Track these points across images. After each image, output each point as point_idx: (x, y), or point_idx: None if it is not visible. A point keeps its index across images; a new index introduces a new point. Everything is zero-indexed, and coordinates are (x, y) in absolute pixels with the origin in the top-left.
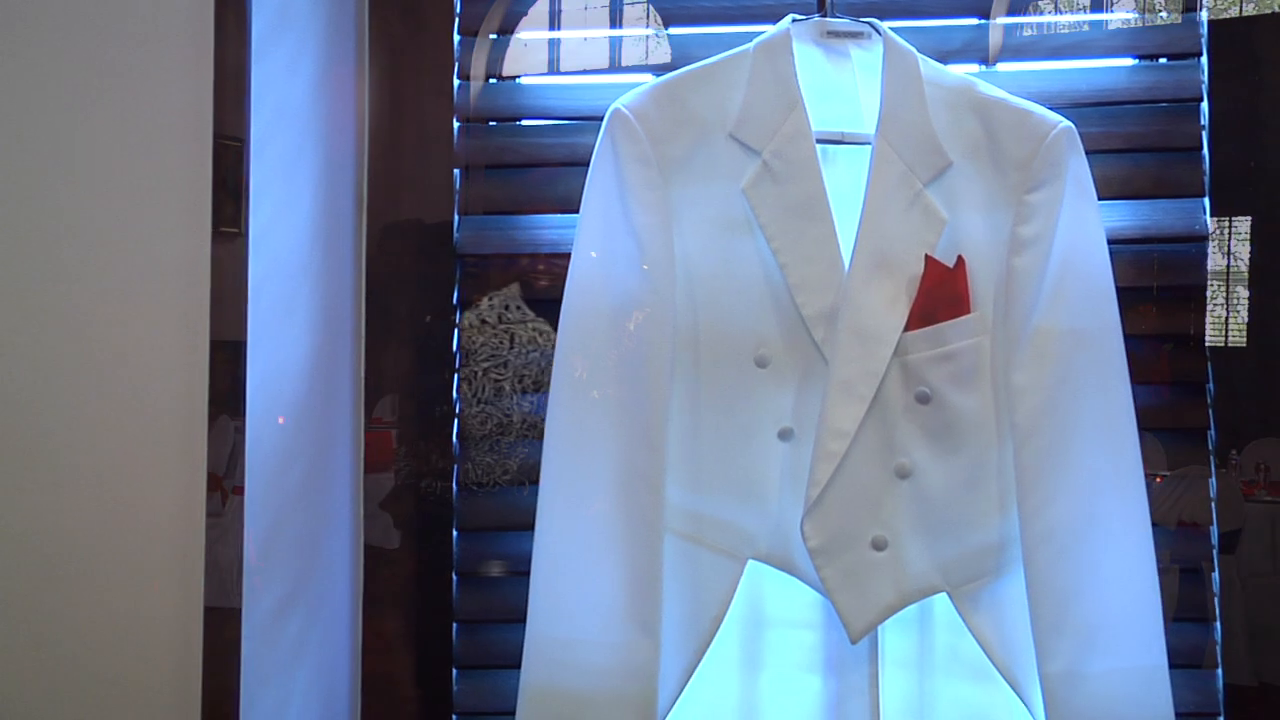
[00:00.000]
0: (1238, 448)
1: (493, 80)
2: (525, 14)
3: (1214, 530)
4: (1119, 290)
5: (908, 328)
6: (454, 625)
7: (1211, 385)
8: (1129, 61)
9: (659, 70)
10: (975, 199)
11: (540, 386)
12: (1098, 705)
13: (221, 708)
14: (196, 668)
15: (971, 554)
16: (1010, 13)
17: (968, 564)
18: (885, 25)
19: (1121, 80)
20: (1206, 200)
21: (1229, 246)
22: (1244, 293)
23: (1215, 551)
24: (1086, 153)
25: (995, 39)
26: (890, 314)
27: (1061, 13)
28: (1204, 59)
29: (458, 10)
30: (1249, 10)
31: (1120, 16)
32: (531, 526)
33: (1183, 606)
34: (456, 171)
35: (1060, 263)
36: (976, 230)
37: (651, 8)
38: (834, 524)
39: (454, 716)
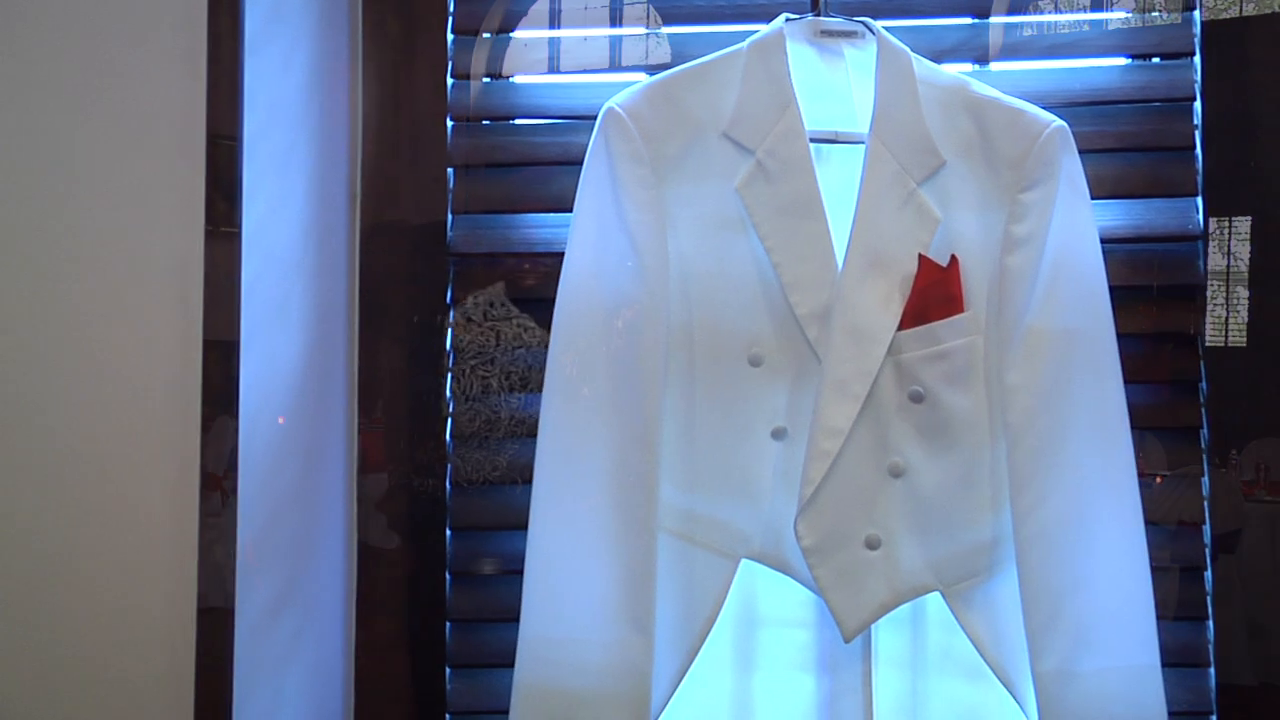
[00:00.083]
0: (1237, 448)
1: (486, 79)
2: (519, 13)
3: (1207, 529)
4: (1112, 289)
5: (901, 327)
6: (447, 624)
7: (1205, 384)
8: (1122, 61)
9: (653, 69)
10: (969, 198)
11: (527, 384)
12: (1090, 704)
13: (215, 707)
14: (190, 667)
15: (964, 553)
16: (1005, 12)
17: (961, 563)
18: (879, 24)
19: (1115, 80)
20: (1199, 199)
21: (1229, 246)
22: (1241, 292)
23: (1208, 551)
24: (1080, 152)
25: (988, 38)
26: (884, 313)
27: (1054, 12)
28: (1197, 58)
29: (451, 9)
30: (1249, 10)
31: (1113, 16)
32: (525, 525)
33: (1175, 605)
34: (450, 170)
35: (1053, 262)
36: (970, 229)
37: (650, 7)
38: (827, 523)
39: (447, 715)
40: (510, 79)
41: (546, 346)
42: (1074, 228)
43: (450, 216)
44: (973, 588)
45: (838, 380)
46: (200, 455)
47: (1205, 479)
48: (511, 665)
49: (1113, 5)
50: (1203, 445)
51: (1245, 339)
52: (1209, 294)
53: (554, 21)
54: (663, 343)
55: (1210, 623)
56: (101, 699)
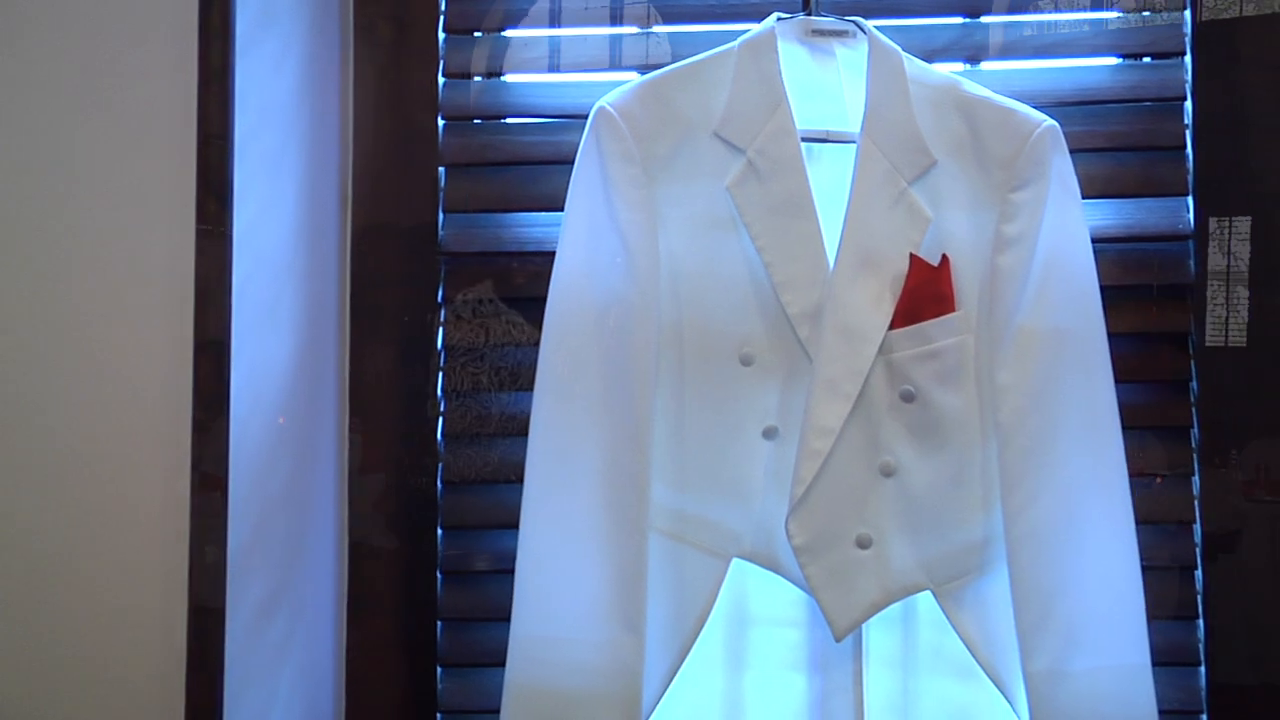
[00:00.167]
0: (1231, 447)
1: (477, 78)
2: (511, 12)
3: (1197, 529)
4: (1103, 289)
5: (892, 326)
6: (438, 623)
7: (1195, 384)
8: (1113, 61)
9: (645, 69)
10: (960, 198)
11: (518, 382)
12: (1081, 703)
13: (206, 707)
14: (180, 667)
15: (955, 552)
16: (998, 11)
17: (952, 562)
18: (870, 24)
19: (1106, 79)
20: (1190, 199)
21: (1228, 246)
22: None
23: (1199, 550)
24: (1071, 151)
25: (979, 38)
26: (875, 312)
27: (1046, 11)
28: (1188, 58)
29: (443, 8)
30: (1248, 10)
31: (1104, 16)
32: (516, 524)
33: (1167, 605)
34: (441, 169)
35: (1044, 261)
36: (961, 229)
37: (642, 6)
38: (819, 522)
39: (439, 715)
40: (502, 78)
41: (537, 345)
42: (1065, 227)
43: (441, 216)
44: (964, 587)
45: (829, 379)
46: (191, 455)
47: (1196, 478)
48: (503, 665)
49: (1112, 4)
50: (1193, 445)
51: (1244, 339)
52: (1209, 294)
53: (546, 20)
54: (654, 342)
55: (1201, 622)
56: (93, 699)
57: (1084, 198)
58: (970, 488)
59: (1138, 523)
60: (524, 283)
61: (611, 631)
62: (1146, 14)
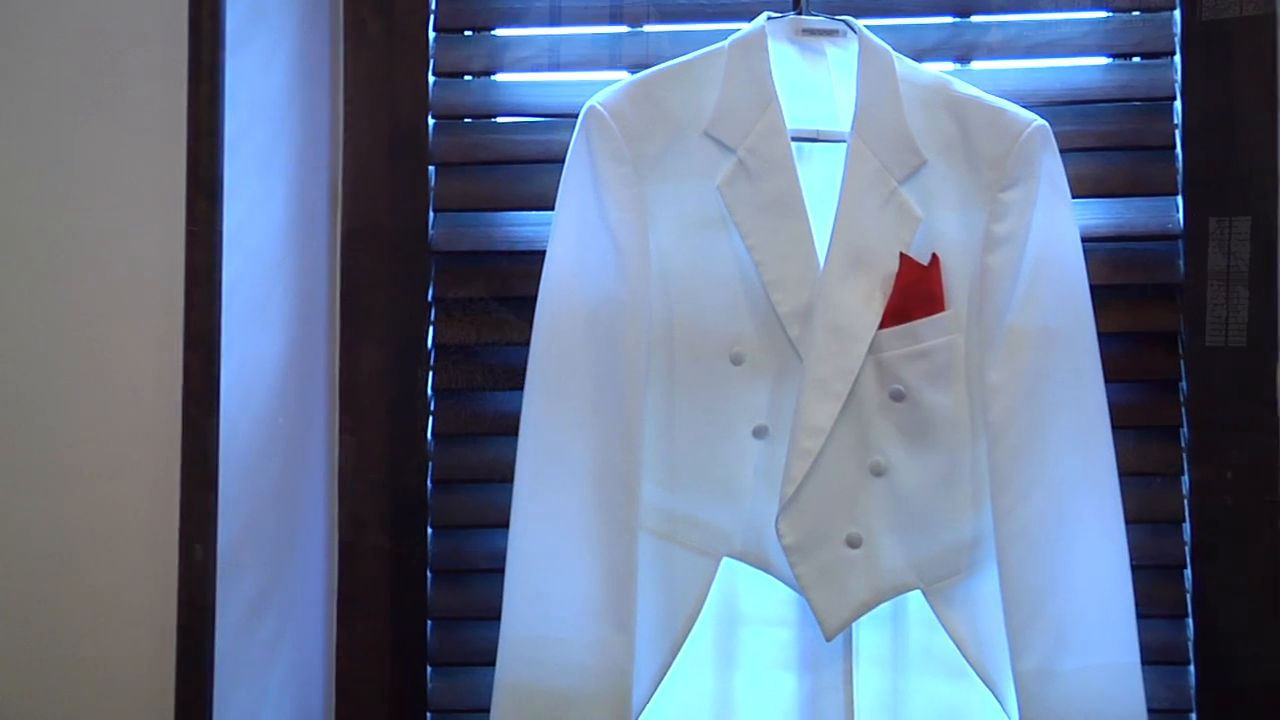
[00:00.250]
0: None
1: (468, 77)
2: (502, 10)
3: (1187, 528)
4: (1092, 288)
5: (882, 325)
6: (429, 623)
7: (1185, 383)
8: (1103, 60)
9: (635, 68)
10: (950, 197)
11: (509, 381)
12: (1071, 702)
13: (195, 706)
14: (170, 666)
15: (945, 551)
16: (987, 11)
17: (942, 561)
18: (860, 23)
19: (1095, 79)
20: (1180, 199)
21: (1229, 246)
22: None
23: (1189, 549)
24: (1060, 151)
25: (970, 37)
26: (865, 311)
27: (1037, 11)
28: (1177, 58)
29: (433, 7)
30: (1248, 10)
31: (1096, 15)
32: (507, 524)
33: (1156, 604)
34: (432, 168)
35: (1034, 261)
36: (951, 228)
37: (633, 5)
38: (809, 521)
39: (429, 714)
40: (493, 77)
41: (528, 344)
42: (1054, 227)
43: (432, 214)
44: (954, 586)
45: (819, 379)
46: (181, 453)
47: (1186, 478)
48: (493, 664)
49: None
50: (1183, 444)
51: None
52: (1209, 294)
53: (536, 19)
54: (644, 341)
55: (1191, 621)
56: (83, 696)
57: (1074, 197)
58: (960, 487)
59: (1127, 522)
60: (515, 282)
61: (602, 631)
62: (1136, 14)
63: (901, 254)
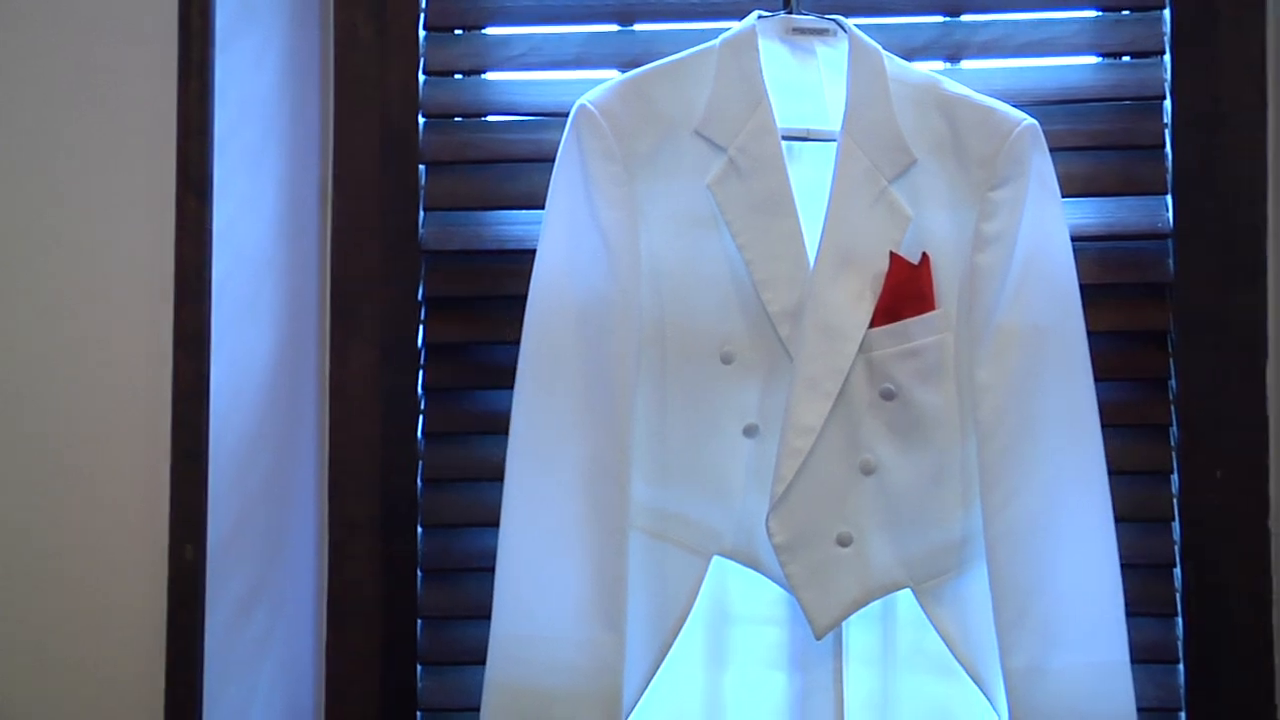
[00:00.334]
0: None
1: (458, 76)
2: (492, 9)
3: (1176, 526)
4: (1082, 287)
5: (872, 324)
6: (418, 621)
7: (1174, 382)
8: (1093, 59)
9: (625, 67)
10: (940, 196)
11: (497, 379)
12: (1060, 700)
13: (185, 704)
14: (160, 664)
15: (935, 550)
16: (976, 10)
17: (931, 560)
18: (851, 22)
19: (1085, 78)
20: (1169, 198)
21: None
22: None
23: (1178, 548)
24: (1050, 150)
25: (960, 36)
26: (855, 310)
27: (1026, 10)
28: (1167, 57)
29: (423, 6)
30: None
31: (1086, 14)
32: (497, 522)
33: (1146, 602)
34: (421, 167)
35: (1023, 260)
36: (941, 227)
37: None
38: (799, 520)
39: (419, 713)
40: (483, 76)
41: (518, 343)
42: (1044, 225)
43: (422, 213)
44: (943, 585)
45: (809, 378)
46: (171, 451)
47: (1175, 476)
48: (483, 663)
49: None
50: (1172, 443)
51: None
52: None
53: (526, 18)
54: (634, 340)
55: (1180, 619)
56: (72, 695)
57: (1063, 196)
58: (950, 486)
59: (1117, 520)
60: (505, 280)
61: (592, 630)
62: (1126, 13)
63: (891, 253)
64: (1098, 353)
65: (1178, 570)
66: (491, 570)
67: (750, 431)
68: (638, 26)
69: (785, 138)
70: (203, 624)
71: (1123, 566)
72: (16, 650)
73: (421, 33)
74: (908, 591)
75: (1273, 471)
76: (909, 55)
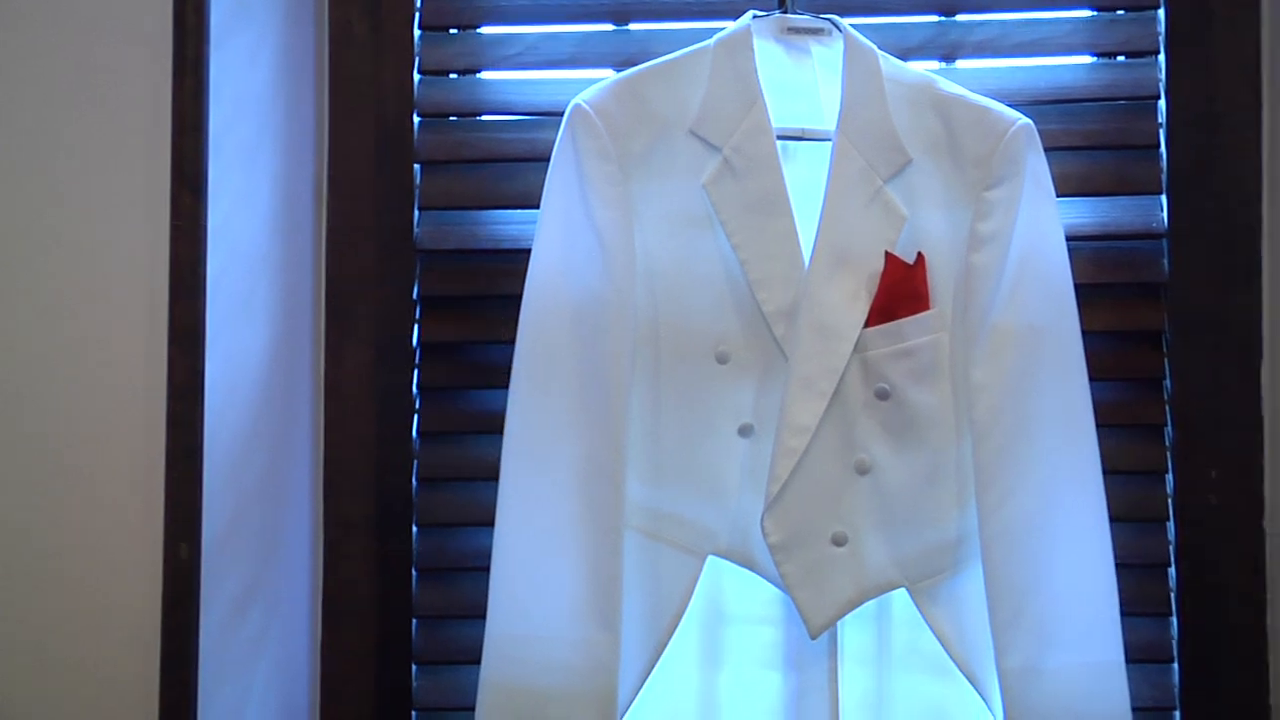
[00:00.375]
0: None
1: (453, 75)
2: (487, 8)
3: (1171, 526)
4: (1077, 287)
5: (867, 324)
6: (414, 621)
7: (1169, 382)
8: (1087, 59)
9: (620, 66)
10: (935, 196)
11: (492, 379)
12: (1055, 700)
13: (179, 703)
14: (154, 664)
15: (930, 549)
16: (971, 9)
17: (927, 559)
18: (846, 22)
19: (1080, 78)
20: (1164, 197)
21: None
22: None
23: (1173, 547)
24: (1045, 150)
25: (955, 36)
26: (850, 310)
27: (1021, 10)
28: (1161, 57)
29: (418, 5)
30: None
31: (1081, 14)
32: (492, 522)
33: (1140, 602)
34: (416, 166)
35: (1018, 259)
36: (936, 227)
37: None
38: (794, 520)
39: (414, 712)
40: (478, 75)
41: (513, 342)
42: (1039, 225)
43: (417, 212)
44: (938, 584)
45: (804, 377)
46: (166, 451)
47: (1170, 476)
48: (478, 662)
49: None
50: (1167, 443)
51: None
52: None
53: (521, 17)
54: (629, 339)
55: (1174, 619)
56: (67, 694)
57: (1058, 196)
58: (945, 485)
59: (1112, 520)
60: (500, 280)
61: (587, 629)
62: (1121, 13)
63: (887, 253)
64: (1092, 353)
65: (1172, 570)
66: (487, 570)
67: (745, 431)
68: (633, 26)
69: (780, 137)
70: (197, 623)
71: (1118, 566)
72: (8, 649)
73: (416, 31)
74: (903, 591)
75: (1268, 471)
76: (904, 55)
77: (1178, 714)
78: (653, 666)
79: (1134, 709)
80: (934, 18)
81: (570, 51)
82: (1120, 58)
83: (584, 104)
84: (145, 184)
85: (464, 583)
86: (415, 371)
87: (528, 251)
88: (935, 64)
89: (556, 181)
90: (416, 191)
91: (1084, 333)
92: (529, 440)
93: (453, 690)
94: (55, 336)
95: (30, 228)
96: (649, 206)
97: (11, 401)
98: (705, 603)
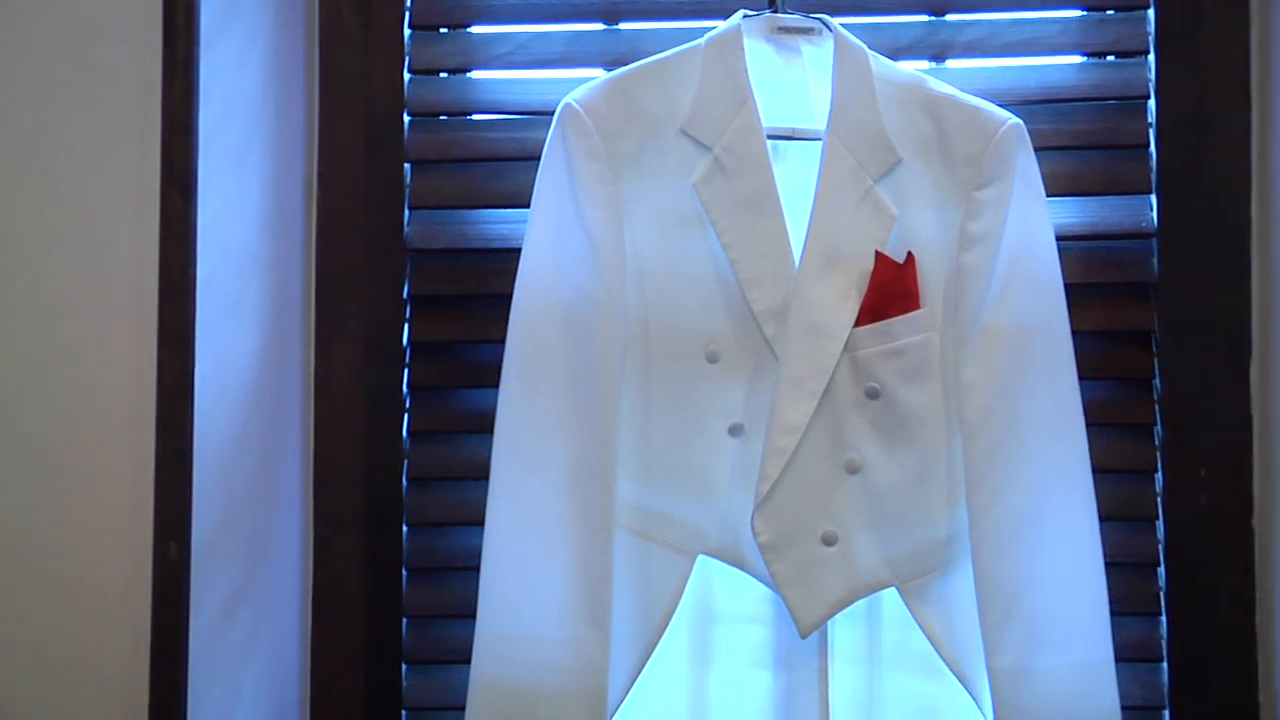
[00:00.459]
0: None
1: (443, 74)
2: (477, 8)
3: (1160, 525)
4: (1067, 286)
5: (858, 323)
6: (404, 620)
7: (1159, 381)
8: (1077, 59)
9: (611, 66)
10: (925, 195)
11: (484, 379)
12: (1045, 700)
13: (169, 703)
14: (144, 664)
15: (920, 549)
16: (961, 9)
17: (917, 559)
18: (836, 21)
19: (1070, 77)
20: (1153, 197)
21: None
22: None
23: (1162, 547)
24: (1035, 149)
25: (945, 35)
26: (840, 309)
27: (1011, 10)
28: (1151, 57)
29: (408, 4)
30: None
31: (1070, 14)
32: (482, 521)
33: (1130, 601)
34: (407, 165)
35: (1008, 259)
36: (926, 226)
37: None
38: (784, 519)
39: (404, 712)
40: (468, 74)
41: (503, 342)
42: (1029, 225)
43: (407, 212)
44: (928, 584)
45: (794, 377)
46: (155, 449)
47: (1159, 475)
48: (468, 662)
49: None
50: (1156, 442)
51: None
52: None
53: (511, 17)
54: (620, 339)
55: (1164, 618)
56: (57, 694)
57: (1048, 195)
58: (935, 485)
59: (1101, 519)
60: (490, 279)
61: (577, 629)
62: (1110, 12)
63: (877, 252)
64: (1082, 352)
65: (1162, 569)
66: (477, 569)
67: (735, 430)
68: (623, 25)
69: (770, 137)
70: (187, 622)
71: (1107, 565)
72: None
73: (406, 31)
74: (893, 590)
75: (1256, 470)
76: (894, 54)
77: (1167, 713)
78: (643, 666)
79: (1123, 708)
80: (924, 17)
81: (560, 51)
82: (1110, 58)
83: (574, 103)
84: (135, 185)
85: (454, 582)
86: (405, 370)
87: (518, 251)
88: (925, 64)
89: (547, 181)
90: (407, 191)
91: (1074, 332)
92: (519, 439)
93: (443, 689)
94: (44, 338)
95: (19, 229)
96: (639, 206)
97: (7, 402)
98: (695, 602)
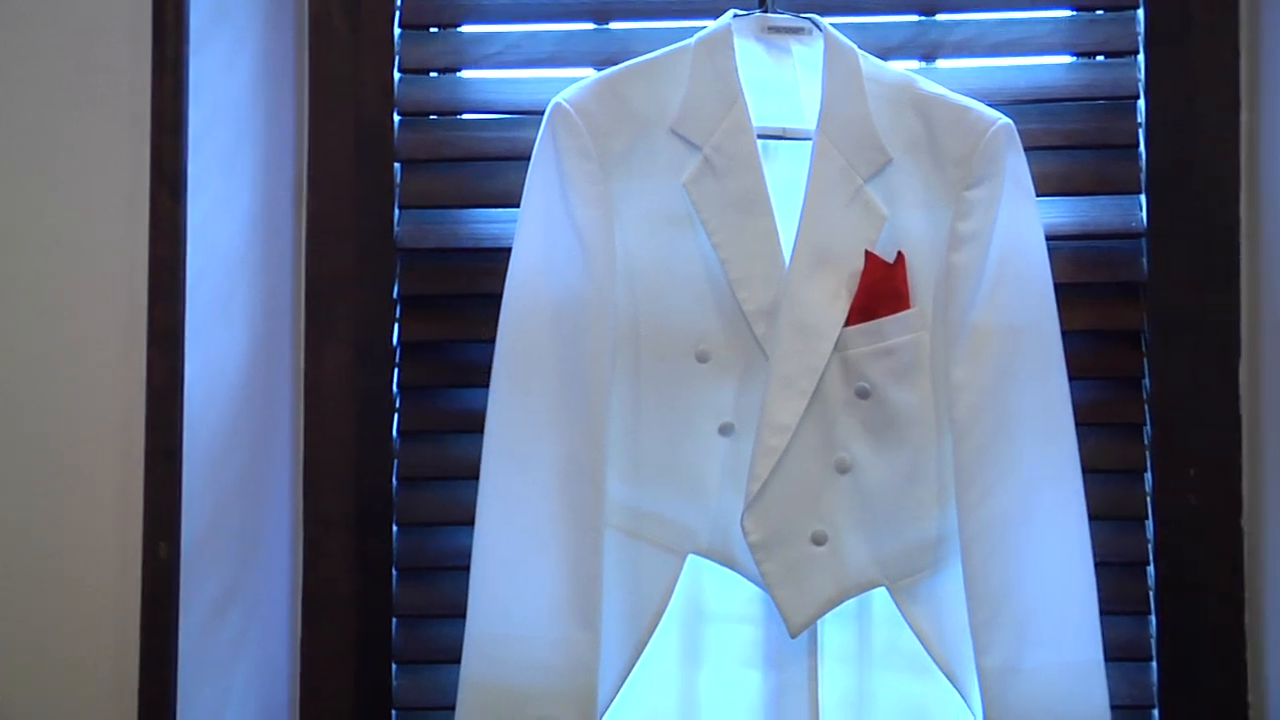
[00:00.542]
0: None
1: (433, 74)
2: (467, 7)
3: (1150, 525)
4: (1056, 286)
5: (848, 323)
6: (394, 620)
7: (1148, 381)
8: (1067, 59)
9: (601, 65)
10: (915, 195)
11: (474, 379)
12: (1034, 699)
13: (158, 703)
14: (133, 664)
15: (910, 548)
16: (951, 9)
17: (907, 558)
18: (826, 21)
19: (1059, 77)
20: (1143, 197)
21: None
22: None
23: (1152, 546)
24: (1025, 149)
25: (935, 35)
26: (830, 309)
27: (1001, 9)
28: (1141, 57)
29: (398, 4)
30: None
31: (1060, 14)
32: (472, 521)
33: (1119, 601)
34: (397, 165)
35: (998, 259)
36: (916, 226)
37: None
38: (774, 519)
39: (394, 712)
40: (458, 74)
41: (493, 341)
42: (1019, 225)
43: (397, 211)
44: (918, 583)
45: (785, 376)
46: (145, 450)
47: (1149, 474)
48: (458, 662)
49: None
50: (1146, 442)
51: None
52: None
53: (502, 16)
54: (610, 338)
55: (1153, 618)
56: (45, 695)
57: (1038, 195)
58: (925, 484)
59: (1091, 519)
60: (480, 279)
61: (567, 629)
62: (1100, 12)
63: (867, 252)
64: (1072, 352)
65: (1151, 568)
66: (467, 569)
67: (725, 430)
68: (613, 25)
69: (760, 136)
70: (177, 623)
71: (1097, 565)
72: None
73: (396, 30)
74: (883, 590)
75: (1246, 470)
76: (884, 54)
77: (1156, 712)
78: (633, 665)
79: (1113, 707)
80: (914, 17)
81: (551, 50)
82: (1100, 58)
83: (564, 103)
84: (124, 185)
85: (444, 582)
86: (395, 371)
87: (508, 250)
88: (915, 63)
89: (537, 180)
90: (397, 191)
91: (1063, 332)
92: (509, 439)
93: (433, 689)
94: (34, 338)
95: (6, 226)
96: (629, 205)
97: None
98: (685, 601)
